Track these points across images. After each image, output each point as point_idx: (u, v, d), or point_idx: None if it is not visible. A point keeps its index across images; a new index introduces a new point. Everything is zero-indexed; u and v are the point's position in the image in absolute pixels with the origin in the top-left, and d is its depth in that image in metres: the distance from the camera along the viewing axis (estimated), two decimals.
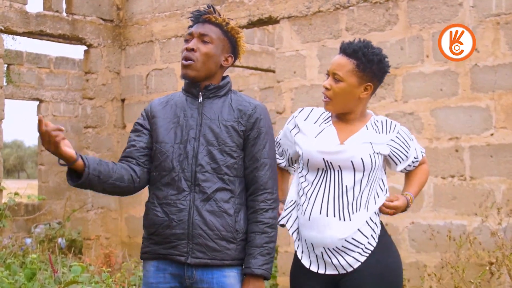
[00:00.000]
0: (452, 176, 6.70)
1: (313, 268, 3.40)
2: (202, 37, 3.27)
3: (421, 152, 3.58)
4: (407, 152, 3.46)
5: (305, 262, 3.43)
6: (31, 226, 14.33)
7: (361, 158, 3.30)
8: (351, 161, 3.31)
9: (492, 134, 6.51)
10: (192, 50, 3.25)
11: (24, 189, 10.44)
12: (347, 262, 3.31)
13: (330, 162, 3.35)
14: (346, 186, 3.32)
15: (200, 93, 3.31)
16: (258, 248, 3.17)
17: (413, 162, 3.51)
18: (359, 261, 3.31)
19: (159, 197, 3.24)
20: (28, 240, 11.50)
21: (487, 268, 5.79)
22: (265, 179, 3.24)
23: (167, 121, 3.29)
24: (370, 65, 3.35)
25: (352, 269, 3.31)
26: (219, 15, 3.35)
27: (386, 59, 3.44)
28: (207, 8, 3.34)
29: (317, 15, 7.79)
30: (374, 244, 3.32)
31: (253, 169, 3.24)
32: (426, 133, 6.90)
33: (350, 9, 7.53)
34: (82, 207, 10.07)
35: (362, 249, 3.31)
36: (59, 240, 11.84)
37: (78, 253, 11.07)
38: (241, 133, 3.24)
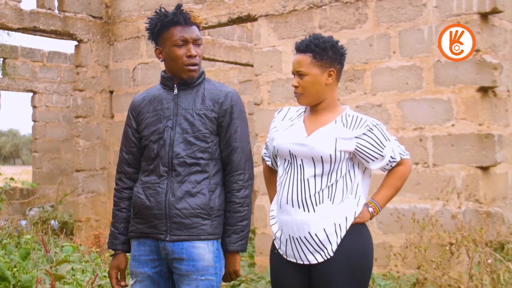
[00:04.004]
0: (416, 164, 6.72)
1: (280, 252, 3.40)
2: (196, 42, 3.31)
3: (400, 153, 3.42)
4: (381, 151, 3.32)
5: (276, 244, 3.43)
6: (26, 209, 14.27)
7: (321, 156, 3.26)
8: (312, 157, 3.29)
9: (453, 125, 6.53)
10: (196, 56, 3.28)
11: (19, 174, 10.32)
12: (306, 257, 3.28)
13: (294, 154, 3.34)
14: (307, 179, 3.29)
15: (175, 85, 3.35)
16: (232, 227, 3.27)
17: (390, 161, 3.38)
18: (319, 259, 3.26)
19: (143, 182, 3.33)
20: (23, 222, 11.43)
21: (448, 248, 5.82)
22: (237, 161, 3.30)
23: (148, 116, 3.35)
24: (325, 52, 3.34)
25: (316, 262, 3.28)
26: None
27: (339, 43, 3.42)
28: (183, 9, 3.33)
29: (293, 13, 7.77)
30: (334, 249, 3.25)
31: (227, 153, 3.30)
32: (393, 123, 6.91)
33: (323, 8, 7.51)
34: (73, 192, 10.02)
35: (323, 251, 3.25)
36: (52, 222, 11.78)
37: (69, 234, 11.03)
38: (214, 119, 3.28)
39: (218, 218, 3.28)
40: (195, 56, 3.28)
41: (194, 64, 3.29)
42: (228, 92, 3.33)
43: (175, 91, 3.34)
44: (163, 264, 3.30)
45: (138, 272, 3.32)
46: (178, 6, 3.32)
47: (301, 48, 3.39)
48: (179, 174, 3.24)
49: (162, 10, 3.33)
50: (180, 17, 3.28)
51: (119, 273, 3.40)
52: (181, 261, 3.22)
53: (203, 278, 3.21)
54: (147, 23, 3.38)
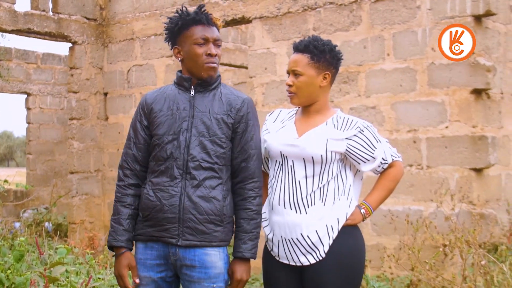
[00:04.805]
0: (410, 165, 6.74)
1: (273, 254, 3.41)
2: (216, 42, 3.30)
3: (392, 155, 3.44)
4: (372, 153, 3.34)
5: (269, 245, 3.45)
6: (19, 211, 14.24)
7: (312, 157, 3.28)
8: (303, 157, 3.30)
9: (447, 127, 6.55)
10: (216, 56, 3.28)
11: (13, 176, 10.35)
12: (298, 259, 3.31)
13: (285, 156, 3.35)
14: (299, 181, 3.31)
15: (192, 87, 3.31)
16: (247, 234, 3.23)
17: (381, 163, 3.40)
18: (311, 260, 3.29)
19: (153, 183, 3.26)
20: (17, 224, 11.40)
21: (441, 249, 5.83)
22: (253, 169, 3.28)
23: (162, 114, 3.29)
24: (323, 55, 3.36)
25: (308, 263, 3.30)
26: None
27: (336, 48, 3.44)
28: (205, 9, 3.34)
29: (287, 15, 7.79)
30: (326, 251, 3.27)
31: (242, 160, 3.28)
32: (387, 125, 6.93)
33: (317, 11, 7.53)
34: (68, 194, 10.02)
35: (315, 252, 3.28)
36: (46, 224, 11.76)
37: (63, 236, 11.03)
38: (230, 125, 3.26)
39: (229, 225, 3.27)
40: (215, 55, 3.27)
41: (214, 63, 3.27)
42: (245, 99, 3.33)
43: (192, 92, 3.31)
44: (169, 269, 3.27)
45: (142, 276, 3.27)
46: (200, 7, 3.32)
47: (299, 48, 3.40)
48: (194, 177, 3.19)
49: (184, 9, 3.33)
50: (203, 17, 3.29)
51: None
52: (192, 268, 3.20)
53: (214, 285, 3.20)
54: (167, 23, 3.36)
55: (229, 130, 3.26)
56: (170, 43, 3.39)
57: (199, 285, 3.20)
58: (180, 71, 3.39)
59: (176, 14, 3.33)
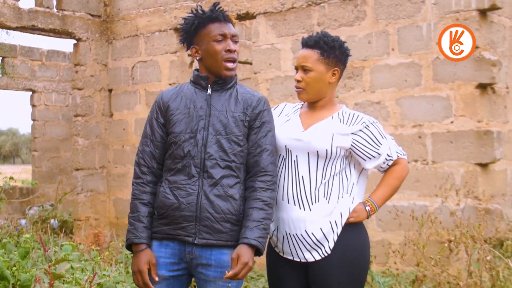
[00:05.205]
0: (416, 161, 6.73)
1: (277, 250, 3.41)
2: (234, 38, 3.30)
3: (397, 152, 3.42)
4: (377, 149, 3.33)
5: (273, 241, 3.44)
6: (25, 208, 14.28)
7: (317, 151, 3.27)
8: (307, 151, 3.30)
9: (452, 122, 6.54)
10: (235, 51, 3.28)
11: (18, 173, 10.35)
12: (303, 255, 3.30)
13: (290, 150, 3.35)
14: (302, 176, 3.30)
15: (208, 85, 3.31)
16: (256, 222, 3.14)
17: (386, 159, 3.38)
18: (316, 256, 3.28)
19: (170, 182, 3.25)
20: (23, 221, 11.44)
21: (446, 245, 5.82)
22: (266, 163, 3.24)
23: (178, 112, 3.28)
24: (332, 51, 3.35)
25: (313, 260, 3.29)
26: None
27: (345, 44, 3.44)
28: (220, 6, 3.34)
29: (291, 11, 7.78)
30: (331, 247, 3.26)
31: (255, 154, 3.25)
32: (392, 120, 6.92)
33: (322, 6, 7.53)
34: (73, 190, 10.04)
35: (321, 249, 3.27)
36: (52, 221, 11.79)
37: (69, 233, 11.05)
38: (246, 123, 3.25)
39: None
40: (234, 51, 3.27)
41: (234, 60, 3.27)
42: (261, 97, 3.33)
43: (209, 91, 3.30)
44: (183, 267, 3.25)
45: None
46: (215, 4, 3.32)
47: (309, 43, 3.39)
48: (212, 176, 3.18)
49: (199, 7, 3.33)
50: (219, 14, 3.29)
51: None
52: (208, 266, 3.18)
53: (229, 285, 3.18)
54: (182, 24, 3.35)
55: (245, 128, 3.25)
56: (186, 43, 3.38)
57: (214, 284, 3.19)
58: (197, 69, 3.38)
59: (190, 14, 3.33)
